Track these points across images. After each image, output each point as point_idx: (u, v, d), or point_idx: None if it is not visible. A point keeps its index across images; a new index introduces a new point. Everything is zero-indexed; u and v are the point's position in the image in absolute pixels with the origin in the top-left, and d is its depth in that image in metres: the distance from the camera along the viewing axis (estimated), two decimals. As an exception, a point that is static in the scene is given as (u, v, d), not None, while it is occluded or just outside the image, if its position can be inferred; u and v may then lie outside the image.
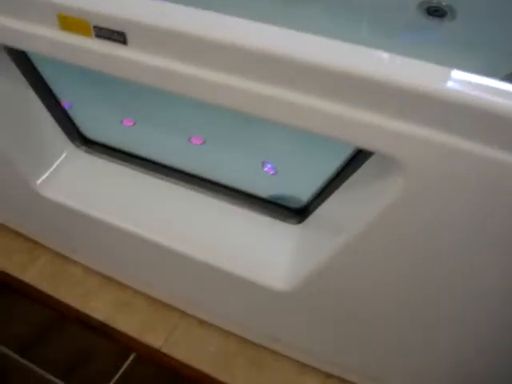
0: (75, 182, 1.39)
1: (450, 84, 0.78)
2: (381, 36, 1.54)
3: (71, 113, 1.39)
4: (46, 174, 1.38)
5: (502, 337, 1.05)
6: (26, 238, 1.67)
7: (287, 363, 1.39)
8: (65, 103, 1.38)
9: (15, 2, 1.02)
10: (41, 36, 1.02)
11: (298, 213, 1.23)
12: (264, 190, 1.29)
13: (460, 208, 0.85)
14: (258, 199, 1.28)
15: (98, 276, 1.57)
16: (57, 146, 1.40)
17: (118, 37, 0.94)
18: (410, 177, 0.85)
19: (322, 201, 1.15)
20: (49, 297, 1.53)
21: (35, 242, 1.66)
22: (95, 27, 0.95)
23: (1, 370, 1.39)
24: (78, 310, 1.50)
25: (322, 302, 1.18)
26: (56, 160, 1.40)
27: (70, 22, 0.98)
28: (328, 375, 1.37)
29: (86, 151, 1.42)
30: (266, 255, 1.22)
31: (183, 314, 1.48)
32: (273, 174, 1.44)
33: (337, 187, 1.10)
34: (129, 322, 1.47)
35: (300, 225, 1.22)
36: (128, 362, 1.40)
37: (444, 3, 1.59)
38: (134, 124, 1.55)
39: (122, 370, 1.39)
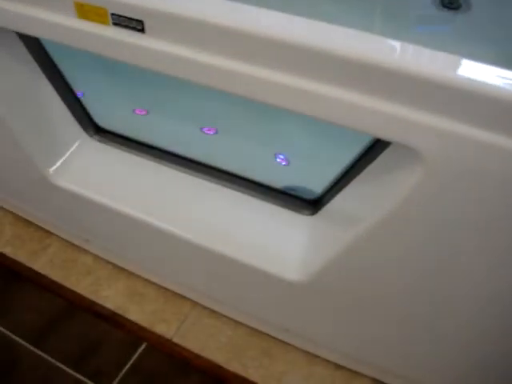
0: (88, 171, 1.39)
1: (471, 75, 0.78)
2: (395, 28, 1.53)
3: (84, 101, 1.39)
4: (59, 163, 1.38)
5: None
6: (37, 227, 1.67)
7: (298, 354, 1.40)
8: (77, 92, 1.37)
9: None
10: (57, 23, 1.02)
11: (311, 204, 1.23)
12: (277, 181, 1.29)
13: (480, 202, 0.85)
14: (271, 190, 1.28)
15: (109, 265, 1.57)
16: (70, 135, 1.40)
17: (136, 25, 0.94)
18: (429, 168, 0.85)
19: (337, 192, 1.15)
20: (60, 286, 1.53)
21: (46, 231, 1.66)
22: (113, 15, 0.95)
23: (11, 359, 1.40)
24: (89, 299, 1.50)
25: (335, 293, 1.18)
26: (69, 149, 1.40)
27: (86, 10, 0.98)
28: (338, 366, 1.37)
29: (99, 140, 1.42)
30: (280, 246, 1.22)
31: (195, 304, 1.49)
32: (285, 165, 1.43)
33: (352, 178, 1.09)
34: (140, 312, 1.47)
35: (314, 216, 1.22)
36: (139, 351, 1.40)
37: (459, -5, 1.58)
38: (147, 113, 1.54)
39: (132, 359, 1.39)
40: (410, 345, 1.19)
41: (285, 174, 1.42)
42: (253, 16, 0.90)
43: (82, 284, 1.54)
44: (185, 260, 1.36)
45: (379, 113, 0.83)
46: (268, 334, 1.42)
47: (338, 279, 1.14)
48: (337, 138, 1.24)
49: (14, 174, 1.47)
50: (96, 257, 1.59)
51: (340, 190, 1.14)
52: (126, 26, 0.95)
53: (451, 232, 0.92)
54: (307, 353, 1.39)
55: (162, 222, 1.30)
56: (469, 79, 0.77)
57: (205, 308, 1.48)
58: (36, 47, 1.25)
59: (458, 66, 0.80)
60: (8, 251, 1.62)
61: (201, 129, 1.51)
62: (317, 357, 1.39)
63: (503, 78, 0.78)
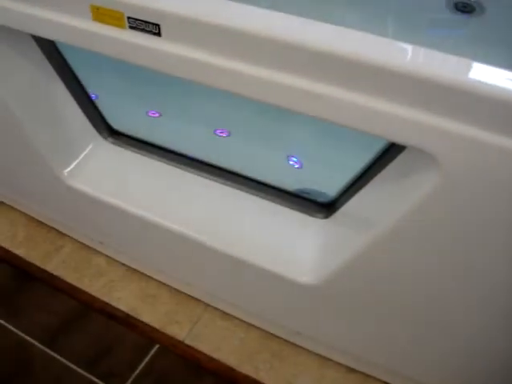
0: (102, 173, 1.39)
1: (485, 79, 0.78)
2: (408, 32, 1.53)
3: (98, 104, 1.39)
4: (73, 165, 1.39)
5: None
6: (51, 228, 1.68)
7: (309, 357, 1.39)
8: (92, 94, 1.38)
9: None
10: (72, 27, 1.03)
11: (325, 207, 1.23)
12: (290, 184, 1.29)
13: (496, 206, 0.84)
14: (284, 193, 1.28)
15: (122, 267, 1.58)
16: (84, 137, 1.41)
17: (152, 28, 0.94)
18: (444, 172, 0.85)
19: (351, 196, 1.14)
20: (73, 287, 1.54)
21: (59, 232, 1.67)
22: (129, 18, 0.95)
23: (24, 359, 1.40)
24: (101, 301, 1.51)
25: (348, 297, 1.18)
26: (83, 151, 1.41)
27: (102, 13, 0.98)
28: (350, 369, 1.37)
29: (113, 142, 1.43)
30: (293, 248, 1.22)
31: (207, 306, 1.49)
32: (298, 168, 1.43)
33: (366, 182, 1.09)
34: (153, 314, 1.48)
35: (328, 219, 1.22)
36: (151, 353, 1.41)
37: (473, -1, 1.58)
38: (160, 115, 1.55)
39: (145, 361, 1.39)
40: (423, 348, 1.19)
41: (298, 176, 1.42)
42: (271, 20, 0.90)
43: (95, 285, 1.54)
44: (198, 262, 1.36)
45: (394, 117, 0.83)
46: (280, 337, 1.42)
47: (350, 283, 1.13)
48: (351, 142, 1.24)
49: (28, 176, 1.48)
50: (109, 258, 1.60)
51: (354, 193, 1.13)
52: (142, 30, 0.96)
53: (467, 236, 0.91)
54: (319, 356, 1.39)
55: (175, 224, 1.30)
56: (483, 83, 0.77)
57: (217, 310, 1.48)
58: (51, 50, 1.25)
59: (471, 69, 0.79)
60: (21, 252, 1.63)
61: (213, 131, 1.51)
62: (328, 360, 1.39)
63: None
